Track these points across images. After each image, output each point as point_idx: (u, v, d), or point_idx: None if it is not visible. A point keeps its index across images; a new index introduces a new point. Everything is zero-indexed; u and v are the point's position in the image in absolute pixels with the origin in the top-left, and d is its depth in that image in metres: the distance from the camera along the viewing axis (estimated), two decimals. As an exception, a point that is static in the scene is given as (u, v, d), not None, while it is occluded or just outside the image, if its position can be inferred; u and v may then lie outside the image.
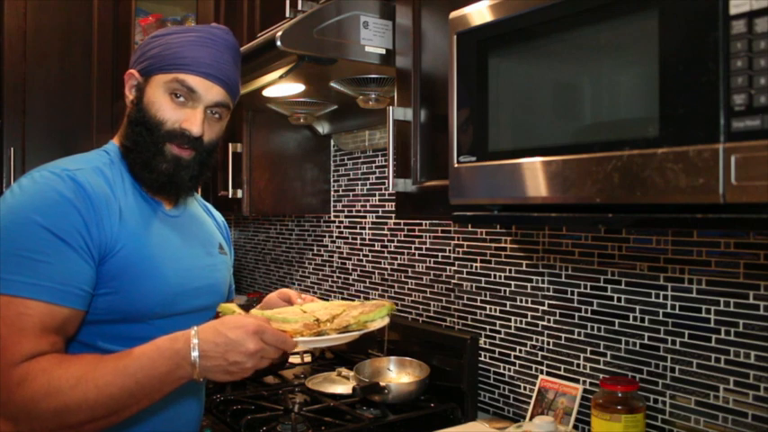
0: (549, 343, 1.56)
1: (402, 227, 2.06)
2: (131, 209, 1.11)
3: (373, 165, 2.20)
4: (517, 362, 1.65)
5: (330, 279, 2.43)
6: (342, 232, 2.36)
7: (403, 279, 2.05)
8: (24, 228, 0.99)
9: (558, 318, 1.54)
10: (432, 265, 1.93)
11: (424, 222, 1.96)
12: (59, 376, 0.95)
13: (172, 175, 1.14)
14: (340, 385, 1.84)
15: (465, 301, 1.80)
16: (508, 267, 1.67)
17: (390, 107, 1.37)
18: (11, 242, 0.98)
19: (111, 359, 0.99)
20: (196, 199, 1.37)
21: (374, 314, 1.12)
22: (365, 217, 2.24)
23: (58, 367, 0.96)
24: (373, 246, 2.19)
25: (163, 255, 1.13)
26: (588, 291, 1.47)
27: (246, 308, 2.65)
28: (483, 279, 1.74)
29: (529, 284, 1.61)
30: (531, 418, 1.51)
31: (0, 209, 1.01)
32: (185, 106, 1.13)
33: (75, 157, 1.13)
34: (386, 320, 1.13)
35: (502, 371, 1.69)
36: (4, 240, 0.98)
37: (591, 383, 1.46)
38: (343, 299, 2.35)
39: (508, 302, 1.67)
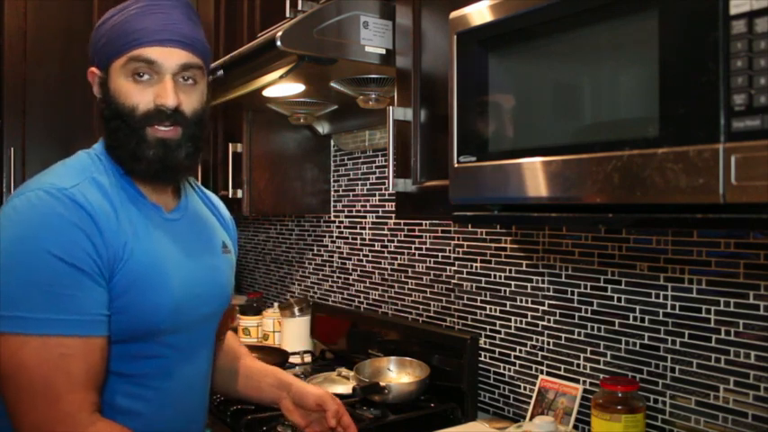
0: (549, 343, 1.56)
1: (402, 227, 2.06)
2: (130, 220, 1.06)
3: (373, 165, 2.20)
4: (517, 362, 1.65)
5: (330, 279, 2.43)
6: (342, 232, 2.36)
7: (403, 279, 2.05)
8: (36, 260, 0.94)
9: (558, 318, 1.54)
10: (432, 265, 1.93)
11: (424, 222, 1.96)
12: None
13: (163, 159, 1.07)
14: (340, 385, 1.84)
15: (465, 301, 1.80)
16: (508, 267, 1.67)
17: (390, 107, 1.37)
18: (25, 276, 0.93)
19: None
20: (199, 192, 1.31)
21: None
22: (365, 217, 2.24)
23: None
24: (373, 246, 2.19)
25: (165, 266, 1.08)
26: (588, 291, 1.47)
27: (246, 308, 2.64)
28: (483, 279, 1.74)
29: (529, 284, 1.61)
30: (531, 418, 1.51)
31: (1, 238, 0.95)
32: (152, 83, 1.05)
33: (68, 167, 1.07)
34: None
35: (502, 371, 1.69)
36: (18, 274, 0.94)
37: (591, 383, 1.46)
38: (343, 299, 2.35)
39: (508, 302, 1.67)
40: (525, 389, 1.63)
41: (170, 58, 1.05)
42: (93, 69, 1.11)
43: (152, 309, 1.05)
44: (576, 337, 1.50)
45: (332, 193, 2.42)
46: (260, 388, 1.36)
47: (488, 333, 1.73)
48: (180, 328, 1.11)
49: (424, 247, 1.96)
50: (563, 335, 1.53)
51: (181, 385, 1.13)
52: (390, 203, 2.12)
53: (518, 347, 1.64)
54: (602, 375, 1.43)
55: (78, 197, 0.99)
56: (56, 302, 0.94)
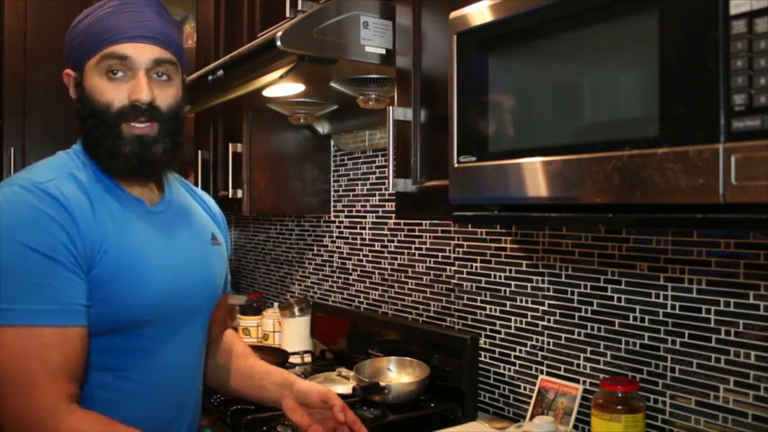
0: (549, 343, 1.56)
1: (402, 227, 2.06)
2: (110, 213, 1.07)
3: (373, 165, 2.20)
4: (517, 362, 1.65)
5: (330, 279, 2.43)
6: (342, 232, 2.36)
7: (403, 279, 2.05)
8: (12, 252, 0.95)
9: (558, 318, 1.54)
10: (432, 265, 1.93)
11: (424, 222, 1.96)
12: None
13: (140, 156, 1.08)
14: (340, 385, 1.84)
15: (465, 301, 1.80)
16: (508, 267, 1.67)
17: (390, 107, 1.37)
18: (2, 269, 0.95)
19: None
20: (186, 188, 1.31)
21: None
22: (365, 217, 2.24)
23: None
24: (373, 246, 2.19)
25: (146, 257, 1.08)
26: (588, 291, 1.47)
27: (246, 309, 2.64)
28: (483, 279, 1.74)
29: (529, 284, 1.61)
30: (531, 418, 1.51)
31: None
32: (126, 80, 1.06)
33: (46, 165, 1.09)
34: None
35: (502, 371, 1.69)
36: None
37: (591, 383, 1.46)
38: (343, 299, 2.35)
39: (508, 302, 1.67)
40: (525, 389, 1.63)
41: (142, 53, 1.06)
42: (68, 71, 1.12)
43: (134, 300, 1.05)
44: (576, 337, 1.50)
45: (332, 193, 2.42)
46: (262, 386, 1.34)
47: (488, 333, 1.73)
48: (165, 319, 1.11)
49: (424, 247, 1.96)
50: (563, 335, 1.53)
51: (168, 378, 1.13)
52: (390, 203, 2.12)
53: (518, 347, 1.64)
54: (602, 375, 1.43)
55: (52, 190, 1.01)
56: (33, 293, 0.95)
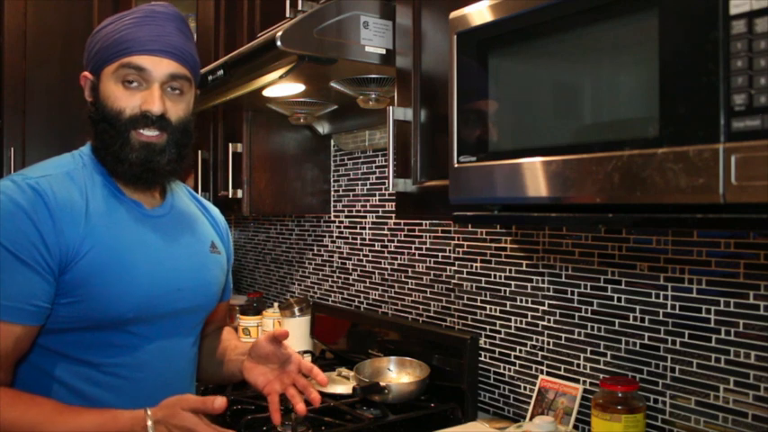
0: (549, 343, 1.56)
1: (402, 227, 2.06)
2: (102, 212, 1.09)
3: (373, 165, 2.20)
4: (517, 362, 1.65)
5: (330, 279, 2.43)
6: (342, 232, 2.36)
7: (403, 279, 2.05)
8: None
9: (558, 318, 1.54)
10: (432, 265, 1.93)
11: (424, 222, 1.96)
12: (13, 420, 0.96)
13: (145, 162, 1.10)
14: (340, 385, 1.84)
15: (465, 301, 1.80)
16: (508, 267, 1.67)
17: (390, 107, 1.37)
18: None
19: (70, 415, 0.99)
20: (190, 196, 1.33)
21: None
22: (365, 217, 2.24)
23: (13, 408, 0.97)
24: (373, 246, 2.19)
25: (137, 257, 1.10)
26: (588, 291, 1.47)
27: (246, 309, 2.63)
28: (483, 279, 1.74)
29: (529, 284, 1.61)
30: (531, 418, 1.51)
31: None
32: (140, 89, 1.10)
33: (48, 162, 1.12)
34: None
35: (502, 371, 1.69)
36: None
37: (591, 383, 1.46)
38: (343, 299, 2.35)
39: (508, 302, 1.67)
40: (525, 389, 1.63)
41: (159, 67, 1.10)
42: (86, 74, 1.15)
43: (116, 297, 1.06)
44: (576, 337, 1.50)
45: (332, 193, 2.42)
46: (229, 361, 1.36)
47: (488, 333, 1.73)
48: (151, 318, 1.12)
49: (424, 247, 1.96)
50: (563, 335, 1.53)
51: (155, 378, 1.14)
52: (390, 203, 2.12)
53: (518, 347, 1.64)
54: (602, 375, 1.43)
55: (42, 186, 1.04)
56: None
